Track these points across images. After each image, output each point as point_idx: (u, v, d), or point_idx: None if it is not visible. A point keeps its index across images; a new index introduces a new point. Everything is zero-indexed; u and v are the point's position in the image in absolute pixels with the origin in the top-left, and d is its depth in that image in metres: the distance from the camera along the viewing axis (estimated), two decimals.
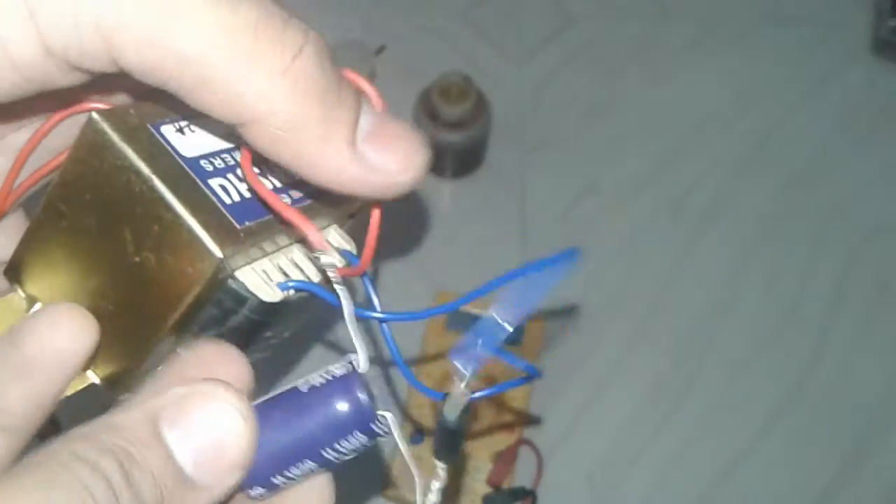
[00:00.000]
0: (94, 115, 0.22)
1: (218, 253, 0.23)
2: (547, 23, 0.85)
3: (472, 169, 0.78)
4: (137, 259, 0.23)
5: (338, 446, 0.23)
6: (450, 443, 0.24)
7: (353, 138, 0.21)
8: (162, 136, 0.24)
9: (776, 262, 0.76)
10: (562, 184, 0.78)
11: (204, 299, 0.24)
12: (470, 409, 0.24)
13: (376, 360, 0.68)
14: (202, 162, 0.24)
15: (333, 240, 0.28)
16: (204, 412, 0.21)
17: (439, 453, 0.25)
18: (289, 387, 0.24)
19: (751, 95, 0.83)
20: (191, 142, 0.24)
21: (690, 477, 0.68)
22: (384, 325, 0.26)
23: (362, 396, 0.23)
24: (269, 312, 0.26)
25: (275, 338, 0.30)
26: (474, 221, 0.76)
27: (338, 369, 0.24)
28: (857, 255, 0.76)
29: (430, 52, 0.83)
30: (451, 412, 0.23)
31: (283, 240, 0.26)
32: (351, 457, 0.24)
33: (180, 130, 0.24)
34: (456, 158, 0.75)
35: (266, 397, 0.24)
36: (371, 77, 0.80)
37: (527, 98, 0.82)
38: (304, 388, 0.24)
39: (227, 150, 0.25)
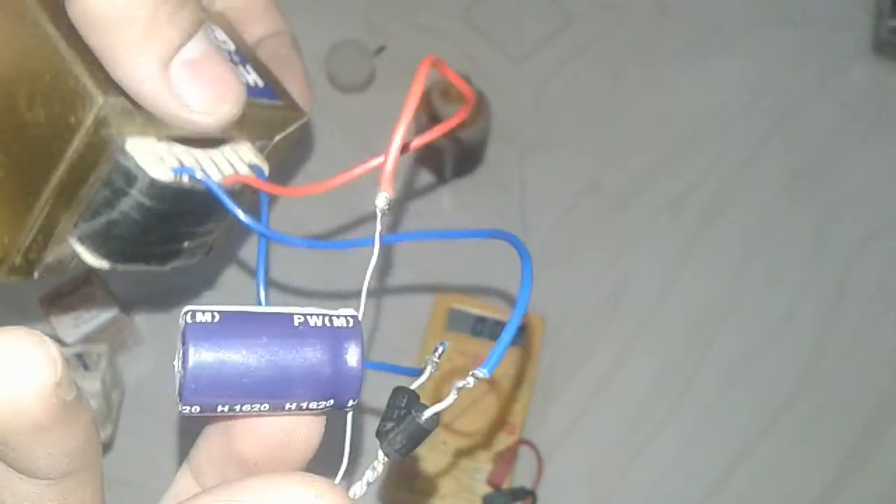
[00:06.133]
0: None
1: (99, 97, 0.23)
2: (547, 23, 0.85)
3: (472, 169, 0.78)
4: (29, 115, 0.23)
5: (303, 403, 0.20)
6: (414, 442, 0.21)
7: (166, 58, 0.21)
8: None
9: (776, 262, 0.76)
10: (562, 184, 0.78)
11: (89, 162, 0.23)
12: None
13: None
14: None
15: (245, 155, 0.28)
16: None
17: (399, 448, 0.21)
18: (272, 309, 0.21)
19: (751, 95, 0.83)
20: None
21: (690, 477, 0.68)
22: (261, 240, 0.25)
23: (358, 361, 0.21)
24: (163, 198, 0.25)
25: (195, 244, 0.29)
26: (474, 221, 0.76)
27: (337, 318, 0.21)
28: (857, 255, 0.76)
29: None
30: (431, 414, 0.21)
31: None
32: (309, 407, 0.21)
33: None
34: (456, 158, 0.75)
35: (247, 309, 0.20)
36: (371, 77, 0.80)
37: (527, 98, 0.82)
38: (299, 323, 0.20)
39: None
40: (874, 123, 0.82)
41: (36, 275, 0.26)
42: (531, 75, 0.83)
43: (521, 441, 0.67)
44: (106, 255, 0.26)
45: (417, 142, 0.24)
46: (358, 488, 0.21)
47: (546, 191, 0.78)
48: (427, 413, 0.21)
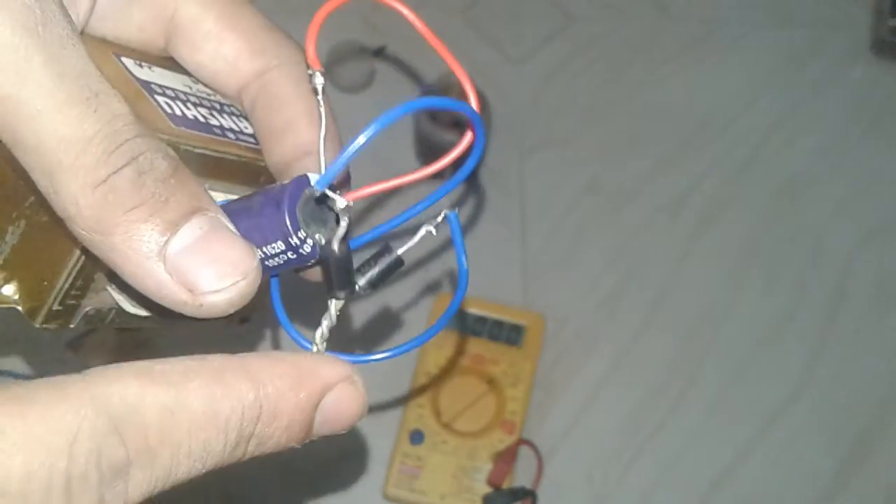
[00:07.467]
0: None
1: None
2: (547, 23, 0.85)
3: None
4: None
5: (266, 248, 0.24)
6: (342, 273, 0.25)
7: (153, 252, 0.21)
8: (120, 60, 0.25)
9: (776, 263, 0.76)
10: (562, 184, 0.78)
11: None
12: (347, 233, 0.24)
13: None
14: (153, 84, 0.25)
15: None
16: (347, 403, 0.23)
17: (333, 288, 0.25)
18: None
19: (751, 95, 0.83)
20: (147, 72, 0.26)
21: (690, 477, 0.68)
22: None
23: (288, 204, 0.23)
24: None
25: None
26: (474, 221, 0.76)
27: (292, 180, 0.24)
28: (857, 255, 0.76)
29: (430, 52, 0.83)
30: (337, 240, 0.24)
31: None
32: (282, 263, 0.24)
33: (139, 65, 0.26)
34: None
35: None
36: (371, 77, 0.80)
37: (527, 98, 0.82)
38: (264, 190, 0.25)
39: (182, 91, 0.27)
40: (874, 123, 0.82)
41: (73, 324, 0.25)
42: (531, 75, 0.83)
43: (521, 441, 0.67)
44: (147, 304, 0.26)
45: (361, 193, 0.25)
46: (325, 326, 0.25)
47: (546, 191, 0.78)
48: (401, 249, 0.25)
